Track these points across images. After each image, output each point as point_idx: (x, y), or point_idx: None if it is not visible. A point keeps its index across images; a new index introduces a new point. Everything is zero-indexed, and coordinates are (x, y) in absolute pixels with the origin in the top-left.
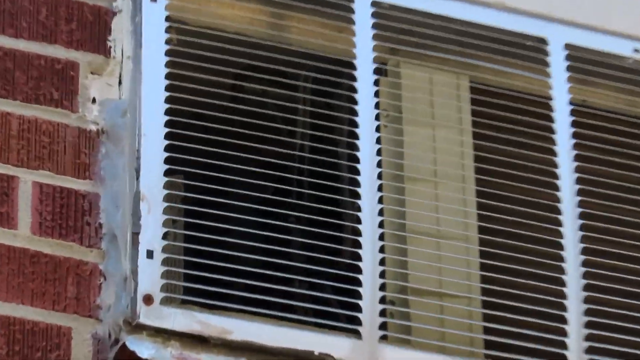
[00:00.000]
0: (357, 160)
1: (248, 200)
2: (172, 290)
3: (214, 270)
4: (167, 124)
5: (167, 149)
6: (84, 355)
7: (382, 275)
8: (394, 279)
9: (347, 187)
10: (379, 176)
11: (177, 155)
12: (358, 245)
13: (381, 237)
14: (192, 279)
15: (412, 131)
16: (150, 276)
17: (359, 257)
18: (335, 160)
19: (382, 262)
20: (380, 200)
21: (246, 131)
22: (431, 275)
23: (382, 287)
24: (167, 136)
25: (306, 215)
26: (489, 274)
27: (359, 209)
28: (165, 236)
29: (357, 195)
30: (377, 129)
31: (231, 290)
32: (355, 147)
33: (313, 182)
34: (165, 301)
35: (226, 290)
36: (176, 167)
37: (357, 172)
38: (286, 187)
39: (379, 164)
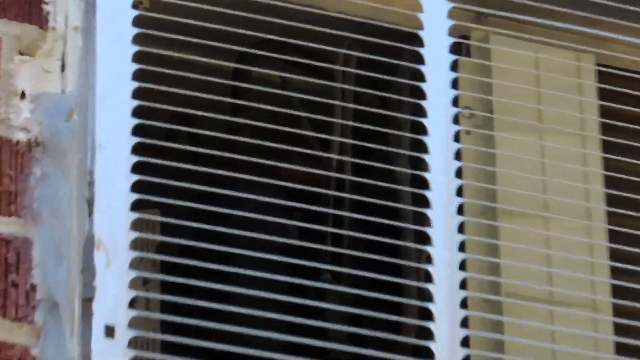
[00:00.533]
0: (426, 186)
1: (259, 247)
2: None
3: (208, 356)
4: (136, 130)
5: (136, 168)
6: None
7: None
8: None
9: (410, 226)
10: (459, 210)
11: (151, 178)
12: (429, 316)
13: (463, 304)
14: (175, 351)
15: (508, 141)
16: None
17: (431, 336)
18: (393, 186)
19: (464, 342)
20: (462, 248)
21: (255, 141)
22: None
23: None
24: (136, 150)
25: (348, 271)
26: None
27: (429, 260)
28: (133, 303)
29: (427, 240)
30: (456, 138)
31: None
32: (422, 166)
33: (358, 220)
34: None
35: None
36: (149, 197)
37: (427, 204)
38: (318, 227)
39: (459, 192)
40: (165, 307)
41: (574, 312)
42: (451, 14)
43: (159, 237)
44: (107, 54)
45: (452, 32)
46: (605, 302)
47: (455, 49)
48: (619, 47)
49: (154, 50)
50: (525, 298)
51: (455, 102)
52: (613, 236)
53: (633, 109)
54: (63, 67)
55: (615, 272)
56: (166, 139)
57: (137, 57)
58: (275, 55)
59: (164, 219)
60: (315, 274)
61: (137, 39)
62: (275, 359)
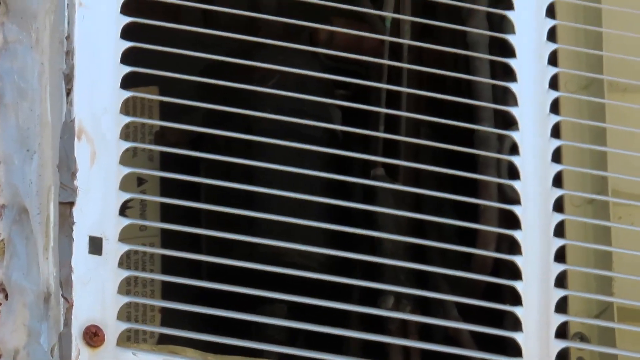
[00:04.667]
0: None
1: (291, 135)
2: (141, 316)
3: (223, 274)
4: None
5: (128, 33)
6: None
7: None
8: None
9: (490, 105)
10: (553, 83)
11: (147, 45)
12: (515, 223)
13: (557, 207)
14: (181, 293)
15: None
16: (98, 291)
17: (517, 250)
18: (466, 53)
19: (559, 256)
20: (556, 133)
21: None
22: None
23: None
24: (128, 7)
25: (407, 164)
26: None
27: (514, 150)
28: (125, 209)
29: (511, 123)
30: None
31: (264, 318)
32: (505, 26)
33: (419, 98)
34: (128, 340)
35: (253, 316)
36: (145, 70)
37: (512, 76)
38: (367, 107)
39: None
40: (167, 213)
41: None
42: None
43: (158, 122)
44: None
45: None
46: None
47: None
48: None
49: None
50: (638, 198)
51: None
52: None
53: None
54: None
55: None
56: None
57: None
58: None
59: (165, 99)
60: (364, 170)
61: None
62: (311, 278)
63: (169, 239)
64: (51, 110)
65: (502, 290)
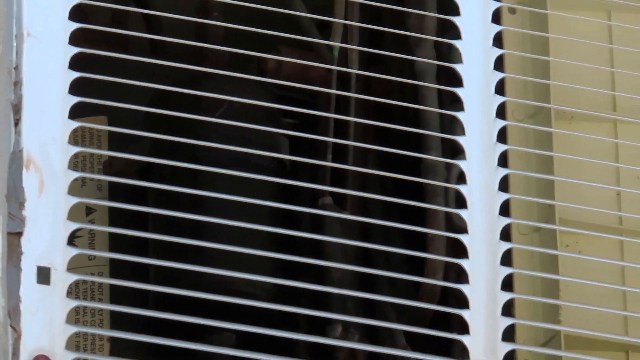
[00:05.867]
0: (459, 83)
1: (239, 165)
2: (88, 345)
3: (171, 306)
4: (75, 13)
5: (76, 63)
6: None
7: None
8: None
9: (437, 134)
10: (500, 112)
11: (95, 75)
12: (462, 251)
13: (505, 236)
14: (129, 323)
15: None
16: (46, 320)
17: (464, 279)
18: (414, 82)
19: (506, 285)
20: (504, 162)
21: (233, 25)
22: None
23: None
24: (76, 37)
25: (355, 193)
26: None
27: (461, 179)
28: (73, 239)
29: (458, 152)
30: (496, 19)
31: (212, 347)
32: (453, 55)
33: (367, 127)
34: None
35: (201, 346)
36: (93, 101)
37: (459, 105)
38: (315, 136)
39: (500, 89)
40: (116, 242)
41: None
42: None
43: (106, 152)
44: None
45: None
46: None
47: None
48: None
49: None
50: (586, 227)
51: None
52: None
53: None
54: None
55: None
56: (113, 25)
57: None
58: None
59: (112, 129)
60: (312, 199)
61: None
62: (259, 307)
63: (117, 268)
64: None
65: (450, 318)
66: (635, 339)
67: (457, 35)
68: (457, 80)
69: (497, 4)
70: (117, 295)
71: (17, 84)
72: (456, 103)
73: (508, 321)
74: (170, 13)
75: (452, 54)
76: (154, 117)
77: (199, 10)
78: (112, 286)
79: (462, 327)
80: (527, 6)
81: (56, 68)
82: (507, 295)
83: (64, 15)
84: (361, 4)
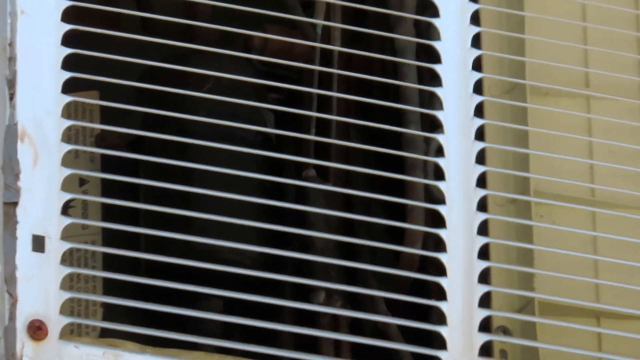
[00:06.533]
0: (436, 59)
1: (226, 138)
2: (82, 311)
3: (160, 271)
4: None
5: (68, 39)
6: None
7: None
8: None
9: (416, 109)
10: (477, 88)
11: (87, 52)
12: (440, 222)
13: (481, 206)
14: (121, 289)
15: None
16: (41, 286)
17: (441, 247)
18: (395, 59)
19: (482, 254)
20: (480, 136)
21: (219, 2)
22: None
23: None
24: (68, 14)
25: (338, 166)
26: None
27: (439, 152)
28: (67, 209)
29: (437, 126)
30: None
31: (198, 312)
32: (432, 34)
33: (349, 102)
34: (70, 333)
35: (188, 311)
36: (85, 76)
37: (437, 81)
38: (299, 111)
39: (477, 65)
40: (108, 212)
41: (619, 214)
42: None
43: (99, 126)
44: None
45: None
46: None
47: None
48: None
49: None
50: (560, 198)
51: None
52: None
53: None
54: None
55: None
56: (104, 2)
57: None
58: None
59: (105, 103)
60: (296, 171)
61: None
62: (244, 274)
63: (109, 237)
64: None
65: (428, 286)
66: (606, 305)
67: (435, 13)
68: (435, 57)
69: None
70: (109, 263)
71: (12, 59)
72: (435, 79)
73: (484, 288)
74: None
75: (431, 32)
76: (144, 92)
77: None
78: (104, 254)
79: (440, 294)
80: None
81: (49, 44)
82: (483, 264)
83: None
84: None
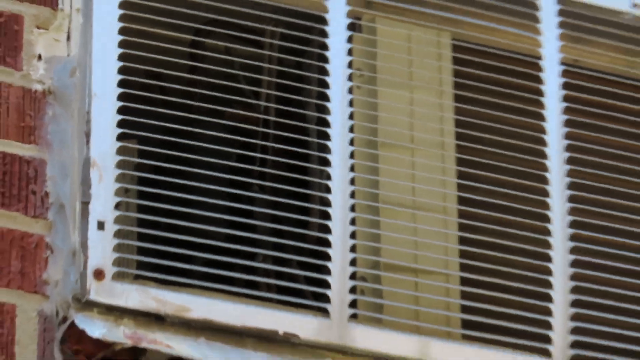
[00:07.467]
0: (327, 125)
1: (208, 168)
2: (125, 264)
3: (171, 243)
4: (121, 83)
5: (120, 111)
6: (29, 335)
7: (353, 249)
8: (366, 254)
9: (316, 153)
10: (351, 142)
11: (131, 118)
12: (327, 217)
13: (352, 208)
14: (147, 253)
15: (387, 93)
16: (102, 249)
17: (328, 230)
18: (304, 125)
19: (353, 235)
20: (352, 169)
21: (207, 92)
22: (406, 250)
23: (353, 262)
24: (121, 97)
25: (272, 184)
26: (469, 249)
27: (328, 178)
28: (117, 206)
29: (327, 163)
30: (350, 91)
31: (190, 265)
32: (325, 110)
33: (279, 148)
34: (118, 276)
35: (184, 265)
36: (130, 131)
37: (327, 138)
38: (250, 153)
39: (351, 129)
40: (141, 209)
41: (430, 215)
42: (349, 2)
43: (136, 160)
44: (100, 28)
45: (349, 14)
46: (453, 209)
47: (351, 27)
48: (470, 26)
49: (133, 26)
50: (395, 204)
51: (350, 65)
52: (460, 161)
53: (481, 72)
54: (68, 38)
55: (461, 188)
56: (141, 90)
57: (122, 31)
58: (221, 30)
59: (140, 147)
60: (247, 186)
61: (122, 18)
62: (219, 245)
63: (141, 223)
64: (78, 152)
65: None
66: (423, 266)
67: (328, 99)
68: (327, 124)
69: (350, 83)
70: (142, 237)
71: (88, 122)
72: (327, 137)
73: (352, 255)
74: None
75: (326, 111)
76: (166, 140)
77: (189, 84)
78: (138, 233)
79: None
80: (366, 84)
81: (109, 113)
82: (352, 241)
83: (114, 84)
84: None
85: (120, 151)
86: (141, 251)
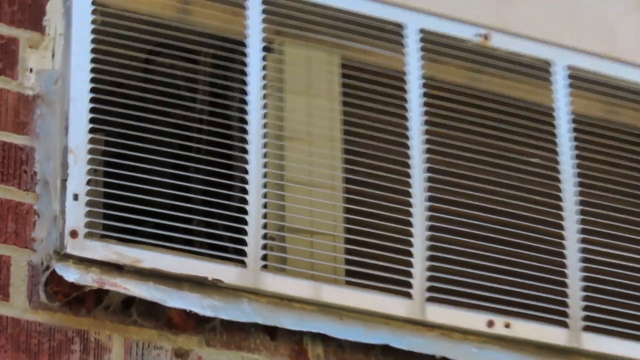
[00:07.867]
0: (246, 122)
1: (158, 154)
2: (93, 227)
3: (128, 210)
4: (92, 90)
5: (92, 111)
6: (21, 279)
7: (265, 216)
8: (274, 219)
9: (237, 144)
10: (264, 135)
11: (100, 116)
12: (246, 191)
13: (264, 185)
14: (111, 218)
15: (291, 99)
16: (76, 215)
17: (245, 201)
18: (229, 122)
19: (265, 205)
20: (265, 155)
21: (157, 97)
22: (304, 217)
23: (265, 226)
24: (92, 100)
25: (204, 167)
26: (351, 216)
27: (247, 163)
28: (88, 182)
29: (246, 151)
30: (264, 97)
31: (143, 227)
32: (245, 112)
33: (210, 140)
34: (88, 236)
35: (138, 227)
36: (99, 127)
37: (246, 132)
38: (189, 143)
39: (264, 125)
40: (106, 185)
41: (322, 191)
42: (264, 30)
43: (104, 148)
44: (77, 48)
45: (264, 39)
46: (339, 186)
47: (265, 49)
48: (353, 49)
49: (102, 47)
50: (296, 182)
51: (264, 78)
52: (346, 151)
53: (362, 84)
54: (53, 55)
55: (346, 170)
56: (108, 95)
57: (94, 51)
58: (168, 51)
59: (106, 138)
60: (186, 168)
61: (94, 41)
62: (164, 212)
63: (106, 196)
64: (60, 141)
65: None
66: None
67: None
68: (245, 122)
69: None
70: (107, 207)
71: (67, 119)
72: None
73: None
74: None
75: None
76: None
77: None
78: (104, 203)
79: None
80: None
81: (83, 113)
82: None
83: (87, 90)
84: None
85: (91, 141)
86: (106, 217)
